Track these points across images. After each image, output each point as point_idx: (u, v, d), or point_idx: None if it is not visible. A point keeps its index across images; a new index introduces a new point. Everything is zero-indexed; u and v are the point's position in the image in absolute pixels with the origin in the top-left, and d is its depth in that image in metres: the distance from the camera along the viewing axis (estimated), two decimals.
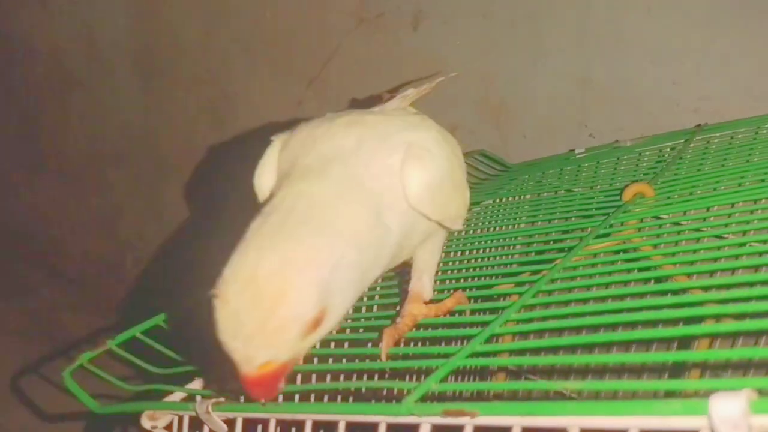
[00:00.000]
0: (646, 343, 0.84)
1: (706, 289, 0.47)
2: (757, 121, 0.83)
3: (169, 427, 0.48)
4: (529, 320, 0.44)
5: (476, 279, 0.57)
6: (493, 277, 0.55)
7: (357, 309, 0.60)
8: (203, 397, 0.48)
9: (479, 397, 0.81)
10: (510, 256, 0.58)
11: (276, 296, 0.37)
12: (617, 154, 0.91)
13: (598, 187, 0.81)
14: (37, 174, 2.07)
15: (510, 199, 0.88)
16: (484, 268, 0.58)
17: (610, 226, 0.60)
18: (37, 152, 2.04)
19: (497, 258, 0.59)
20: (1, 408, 1.45)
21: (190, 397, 0.50)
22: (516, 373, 0.94)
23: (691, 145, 0.84)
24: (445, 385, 0.38)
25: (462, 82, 1.23)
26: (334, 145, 0.48)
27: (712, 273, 0.50)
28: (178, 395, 0.50)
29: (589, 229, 0.57)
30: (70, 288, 1.94)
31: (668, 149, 0.87)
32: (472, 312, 0.49)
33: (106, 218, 1.91)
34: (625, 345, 0.81)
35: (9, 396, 1.46)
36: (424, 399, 0.37)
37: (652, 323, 0.39)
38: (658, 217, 0.62)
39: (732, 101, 1.01)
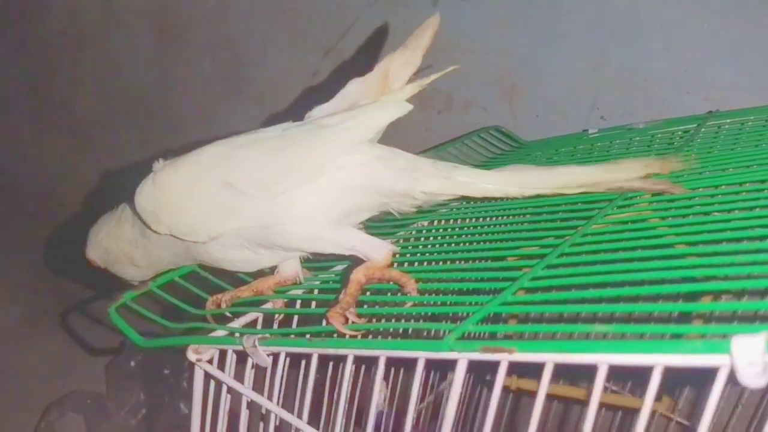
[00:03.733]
0: (653, 298, 0.89)
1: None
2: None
3: (210, 360, 0.52)
4: (555, 276, 0.48)
5: (499, 242, 0.60)
6: (519, 240, 0.58)
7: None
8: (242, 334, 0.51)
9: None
10: (536, 223, 0.61)
11: None
12: (630, 136, 0.94)
13: None
14: (47, 132, 2.08)
15: None
16: (508, 233, 0.61)
17: (627, 198, 0.63)
18: (47, 110, 2.05)
19: (521, 224, 0.63)
20: (18, 349, 1.51)
21: (230, 335, 0.53)
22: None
23: (703, 129, 0.87)
24: (482, 326, 0.41)
25: (477, 59, 1.25)
26: None
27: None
28: (220, 332, 0.54)
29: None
30: (75, 245, 1.96)
31: (679, 134, 0.89)
32: (502, 269, 0.52)
33: (114, 179, 1.92)
34: (634, 299, 0.85)
35: (59, 330, 1.56)
36: (461, 339, 0.41)
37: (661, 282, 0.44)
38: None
39: (742, 91, 1.03)
